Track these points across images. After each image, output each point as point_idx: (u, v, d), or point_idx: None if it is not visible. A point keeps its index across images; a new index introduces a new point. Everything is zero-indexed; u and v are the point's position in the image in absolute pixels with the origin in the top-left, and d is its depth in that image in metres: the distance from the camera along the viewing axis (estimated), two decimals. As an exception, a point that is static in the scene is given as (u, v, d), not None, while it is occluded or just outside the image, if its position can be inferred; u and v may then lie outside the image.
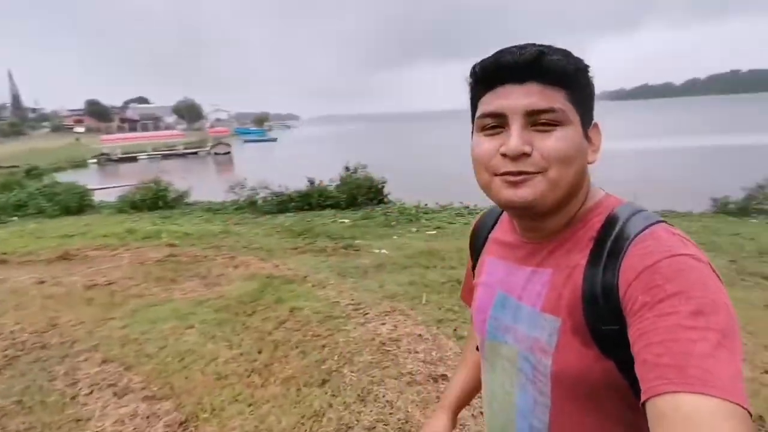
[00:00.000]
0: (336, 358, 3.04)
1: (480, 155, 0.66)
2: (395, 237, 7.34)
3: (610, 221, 0.64)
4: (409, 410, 2.47)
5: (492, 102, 0.64)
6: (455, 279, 4.59)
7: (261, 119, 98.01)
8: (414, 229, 8.02)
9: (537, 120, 0.61)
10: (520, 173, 0.62)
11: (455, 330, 3.40)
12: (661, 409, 0.47)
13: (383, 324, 3.54)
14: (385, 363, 2.95)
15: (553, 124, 0.61)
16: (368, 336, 3.34)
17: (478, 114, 0.67)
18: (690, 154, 20.64)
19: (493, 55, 0.64)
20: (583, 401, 0.64)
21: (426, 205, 10.21)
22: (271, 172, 13.54)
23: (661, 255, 0.55)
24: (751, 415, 0.45)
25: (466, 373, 1.01)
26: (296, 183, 10.76)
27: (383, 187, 10.93)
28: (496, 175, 0.65)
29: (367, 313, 3.76)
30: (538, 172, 0.62)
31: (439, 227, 8.29)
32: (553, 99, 0.61)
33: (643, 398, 0.51)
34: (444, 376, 2.76)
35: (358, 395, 2.61)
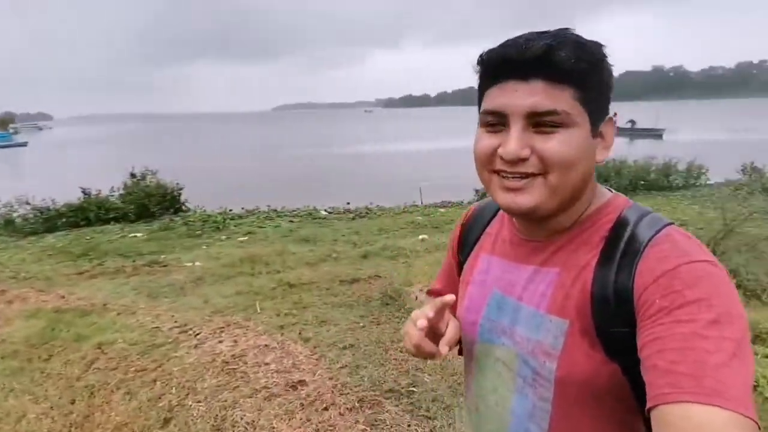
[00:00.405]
0: (174, 390, 2.65)
1: (479, 152, 0.64)
2: (204, 247, 6.73)
3: (621, 222, 0.62)
4: (275, 425, 2.34)
5: (494, 99, 0.61)
6: (285, 282, 4.52)
7: (4, 121, 75.38)
8: (224, 237, 7.51)
9: (539, 121, 0.58)
10: (517, 176, 0.60)
11: (300, 333, 3.36)
12: (671, 417, 0.46)
13: (220, 342, 3.24)
14: (235, 383, 2.72)
15: (556, 126, 0.58)
16: (207, 358, 3.01)
17: (481, 109, 0.64)
18: (450, 153, 24.90)
19: (499, 46, 0.60)
20: (587, 405, 0.62)
21: (231, 210, 9.67)
22: (27, 183, 10.65)
23: (681, 260, 0.54)
24: (759, 428, 0.45)
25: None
26: (66, 195, 8.77)
27: (180, 194, 9.86)
28: (494, 172, 0.63)
29: (198, 334, 3.38)
30: (538, 174, 0.60)
31: (250, 232, 7.96)
32: (558, 99, 0.57)
33: (650, 404, 0.49)
34: (302, 382, 2.71)
35: (212, 425, 2.35)
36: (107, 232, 7.88)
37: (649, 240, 0.58)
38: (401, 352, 3.05)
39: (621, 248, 0.60)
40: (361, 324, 3.50)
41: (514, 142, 0.59)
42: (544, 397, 0.64)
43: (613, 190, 0.69)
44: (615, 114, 0.65)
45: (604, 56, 0.60)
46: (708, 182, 11.22)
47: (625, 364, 0.58)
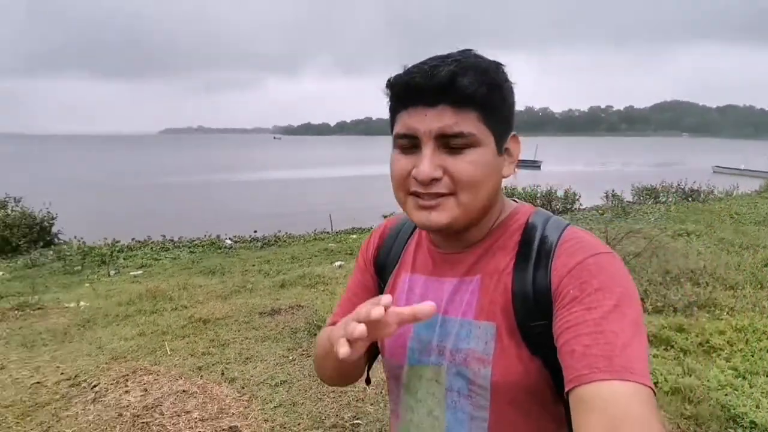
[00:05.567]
0: (71, 457, 2.19)
1: (395, 174, 0.66)
2: (88, 284, 5.86)
3: (531, 227, 0.68)
4: (207, 482, 2.04)
5: (405, 123, 0.63)
6: (196, 318, 4.08)
7: None
8: (112, 272, 6.63)
9: (448, 143, 0.62)
10: (431, 195, 0.63)
11: (223, 373, 3.02)
12: (588, 395, 0.52)
13: (126, 392, 2.78)
14: (151, 439, 2.33)
15: (465, 146, 0.62)
16: (111, 413, 2.55)
17: (393, 133, 0.66)
18: (355, 180, 25.25)
19: (405, 74, 0.63)
20: (523, 405, 0.65)
21: (119, 241, 8.60)
22: None
23: (588, 253, 0.61)
24: (655, 393, 0.53)
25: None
26: None
27: (52, 224, 8.55)
28: (409, 193, 0.65)
29: (95, 385, 2.86)
30: (450, 194, 0.63)
31: (144, 265, 7.15)
32: (464, 122, 0.61)
33: (570, 386, 0.54)
34: (234, 428, 2.41)
35: (128, 493, 1.97)
36: (-46, 272, 6.49)
37: (558, 239, 0.65)
38: (339, 383, 2.89)
39: (535, 249, 0.65)
40: (291, 357, 3.27)
41: (426, 163, 0.62)
42: (481, 405, 0.66)
43: (518, 200, 0.74)
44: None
45: (505, 78, 0.64)
46: (581, 207, 12.79)
47: (546, 356, 0.62)
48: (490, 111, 0.62)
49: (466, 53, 0.62)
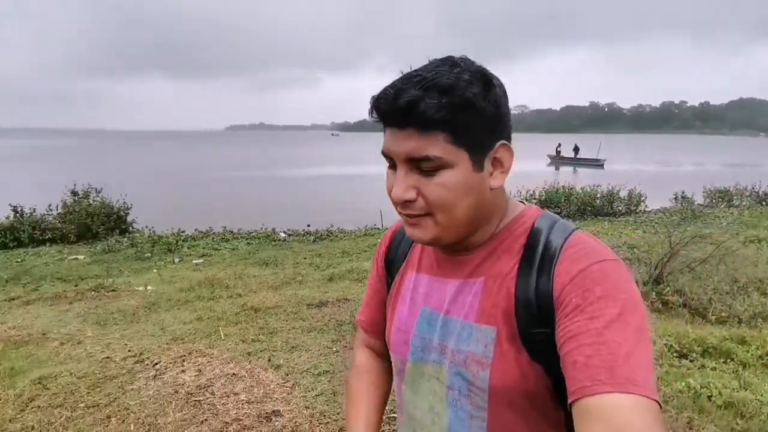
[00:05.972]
0: (132, 427, 2.41)
1: (387, 188, 0.67)
2: (156, 270, 6.33)
3: (536, 230, 0.67)
4: (250, 460, 2.17)
5: (385, 143, 0.64)
6: (249, 307, 4.31)
7: None
8: (177, 260, 7.11)
9: (419, 166, 0.61)
10: (409, 215, 0.64)
11: (269, 360, 3.19)
12: (591, 407, 0.52)
13: (183, 371, 3.01)
14: (202, 416, 2.51)
15: (435, 169, 0.61)
16: (169, 390, 2.77)
17: None
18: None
19: (375, 97, 0.62)
20: (522, 409, 0.65)
21: (184, 231, 9.20)
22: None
23: (591, 260, 0.60)
24: (660, 406, 0.52)
25: (367, 400, 0.85)
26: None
27: (127, 214, 9.29)
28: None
29: (156, 363, 3.12)
30: (426, 214, 0.63)
31: (205, 255, 7.60)
32: (431, 145, 0.59)
33: (573, 397, 0.54)
34: (276, 412, 2.54)
35: (179, 464, 2.15)
36: (43, 255, 7.25)
37: (563, 244, 0.64)
38: (378, 377, 2.95)
39: (539, 254, 0.64)
40: (334, 349, 3.38)
41: (397, 186, 0.62)
42: (480, 405, 0.66)
43: (526, 202, 0.74)
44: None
45: (483, 89, 0.60)
46: (647, 209, 12.02)
47: (548, 364, 0.61)
48: (460, 130, 0.59)
49: (439, 67, 0.60)
